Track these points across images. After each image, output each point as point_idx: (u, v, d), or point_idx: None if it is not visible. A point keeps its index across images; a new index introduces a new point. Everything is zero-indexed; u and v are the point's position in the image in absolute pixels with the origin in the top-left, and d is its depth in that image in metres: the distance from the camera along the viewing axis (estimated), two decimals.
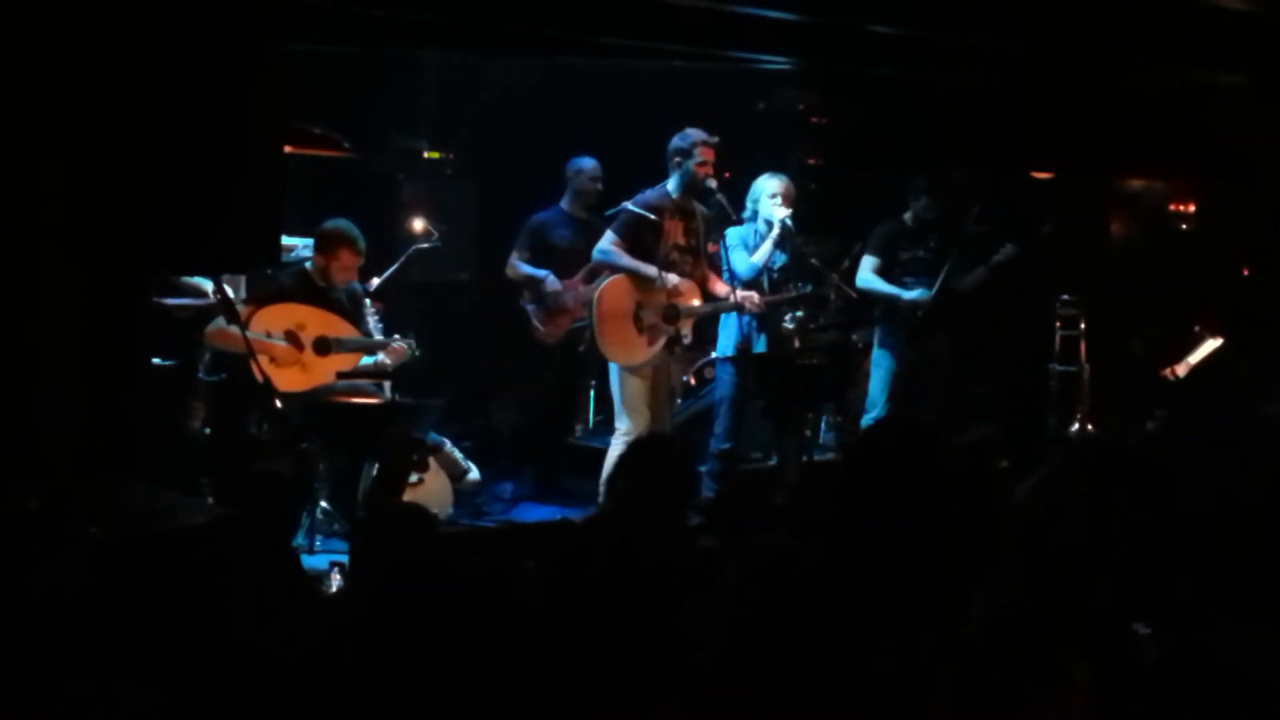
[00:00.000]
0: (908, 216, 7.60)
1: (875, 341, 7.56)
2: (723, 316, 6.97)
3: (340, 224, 6.50)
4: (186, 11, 4.11)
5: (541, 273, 7.44)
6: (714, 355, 7.26)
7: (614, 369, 6.79)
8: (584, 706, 2.77)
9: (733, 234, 6.95)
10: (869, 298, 7.50)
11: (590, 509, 6.04)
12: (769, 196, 6.93)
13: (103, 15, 3.98)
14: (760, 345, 6.93)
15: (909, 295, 7.44)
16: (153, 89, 4.01)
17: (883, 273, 7.51)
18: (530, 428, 7.91)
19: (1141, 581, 3.63)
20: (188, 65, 4.07)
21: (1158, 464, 4.57)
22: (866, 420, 7.42)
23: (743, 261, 6.86)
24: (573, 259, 7.44)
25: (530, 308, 7.51)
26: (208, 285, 6.46)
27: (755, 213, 6.99)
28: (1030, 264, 7.97)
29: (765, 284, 6.94)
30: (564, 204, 7.58)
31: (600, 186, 7.54)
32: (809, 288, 7.09)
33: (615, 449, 6.49)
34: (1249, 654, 2.85)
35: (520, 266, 7.50)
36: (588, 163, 7.57)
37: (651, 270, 6.63)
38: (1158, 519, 4.11)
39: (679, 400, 7.46)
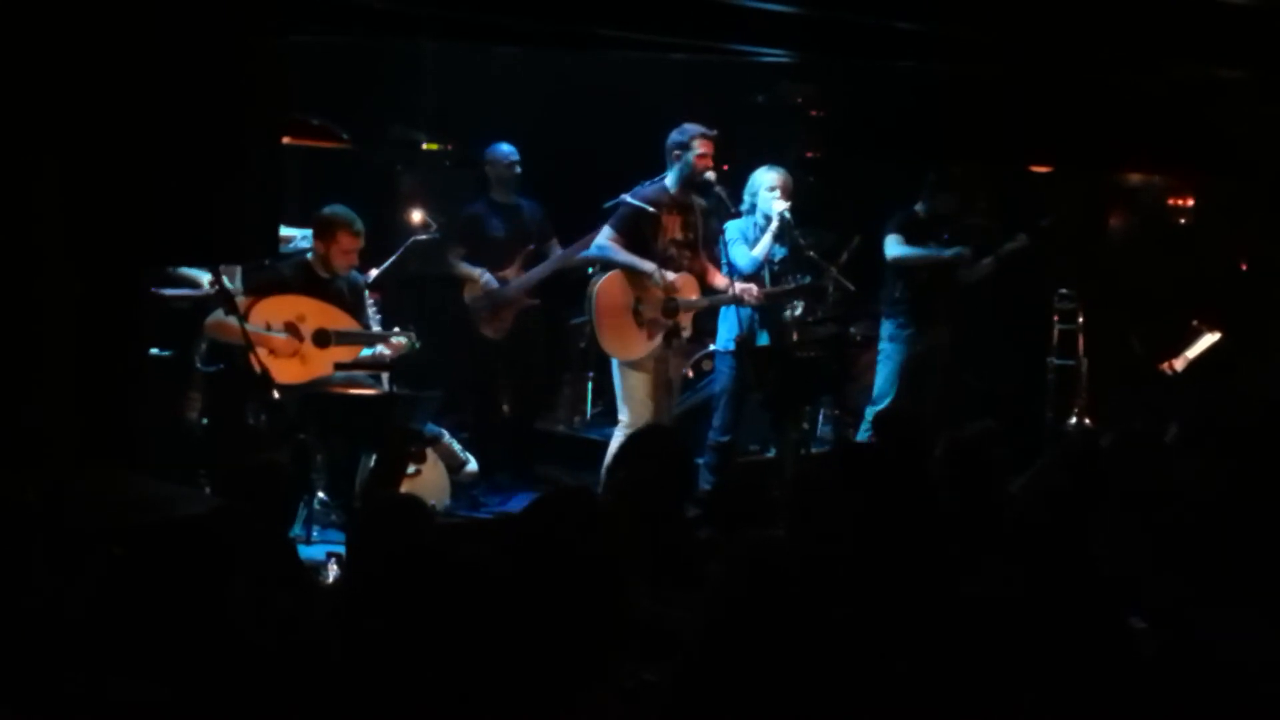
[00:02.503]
0: (920, 209, 7.64)
1: (885, 334, 7.58)
2: (722, 309, 6.96)
3: (336, 208, 6.55)
4: (182, 1, 4.10)
5: (477, 270, 7.39)
6: (713, 348, 7.24)
7: (615, 363, 6.78)
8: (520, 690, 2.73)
9: (732, 228, 6.92)
10: (904, 265, 7.55)
11: None
12: (767, 189, 6.91)
13: (97, 5, 3.97)
14: (763, 339, 6.92)
15: (948, 252, 7.51)
16: (148, 79, 3.99)
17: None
18: (490, 422, 7.81)
19: (1140, 575, 3.63)
20: (184, 56, 4.05)
21: (1156, 459, 4.57)
22: (871, 412, 7.41)
23: (743, 255, 6.84)
24: (508, 248, 7.45)
25: (473, 306, 7.46)
26: (202, 276, 6.47)
27: (754, 206, 6.96)
28: (1030, 257, 8.00)
29: (766, 277, 6.93)
30: (491, 194, 7.55)
31: (518, 170, 7.51)
32: (808, 279, 7.09)
33: (617, 441, 6.47)
34: (1246, 646, 2.85)
35: (458, 266, 7.46)
36: (503, 149, 7.54)
37: (649, 266, 6.62)
38: (1155, 513, 4.11)
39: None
